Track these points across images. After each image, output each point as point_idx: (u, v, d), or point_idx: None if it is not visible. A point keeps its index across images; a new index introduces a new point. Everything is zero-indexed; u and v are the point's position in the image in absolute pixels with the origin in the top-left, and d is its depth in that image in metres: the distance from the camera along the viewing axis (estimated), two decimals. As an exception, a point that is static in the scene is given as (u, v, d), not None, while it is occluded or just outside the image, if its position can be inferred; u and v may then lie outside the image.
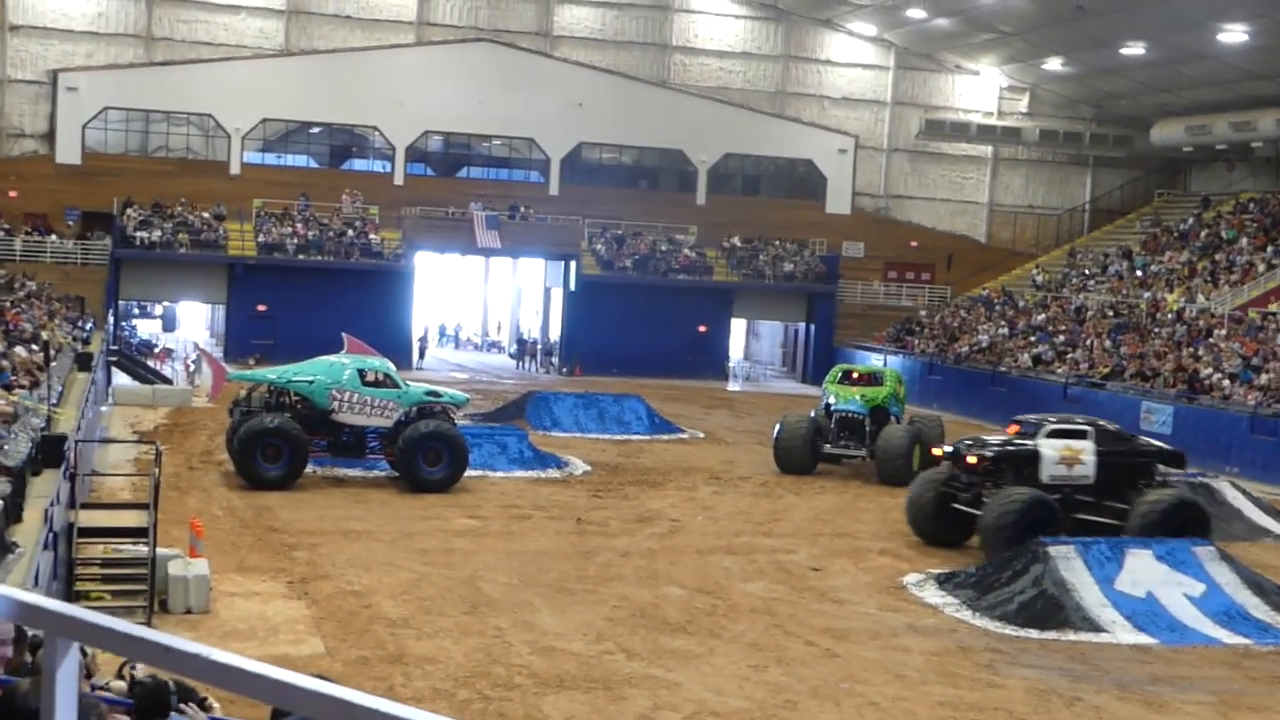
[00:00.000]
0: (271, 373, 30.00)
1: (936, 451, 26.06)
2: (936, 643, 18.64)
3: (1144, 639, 19.24)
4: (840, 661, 17.48)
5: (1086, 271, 56.14)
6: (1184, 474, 31.20)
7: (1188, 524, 23.25)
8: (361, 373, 28.82)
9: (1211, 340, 42.55)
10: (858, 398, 33.83)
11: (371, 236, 52.96)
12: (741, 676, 16.57)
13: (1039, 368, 46.38)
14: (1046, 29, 53.37)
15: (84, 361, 32.54)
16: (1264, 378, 38.35)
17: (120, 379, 40.85)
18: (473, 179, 57.74)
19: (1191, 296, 48.25)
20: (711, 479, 31.71)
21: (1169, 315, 46.65)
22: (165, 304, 57.46)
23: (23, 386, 23.10)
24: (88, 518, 18.82)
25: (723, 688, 16.06)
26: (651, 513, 27.20)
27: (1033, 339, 49.21)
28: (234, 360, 46.21)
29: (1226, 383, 39.01)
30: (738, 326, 60.50)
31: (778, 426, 33.62)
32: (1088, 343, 46.56)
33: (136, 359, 44.06)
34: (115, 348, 43.45)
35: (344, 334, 31.16)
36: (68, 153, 53.06)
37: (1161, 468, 25.90)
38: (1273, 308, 44.11)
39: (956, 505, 24.66)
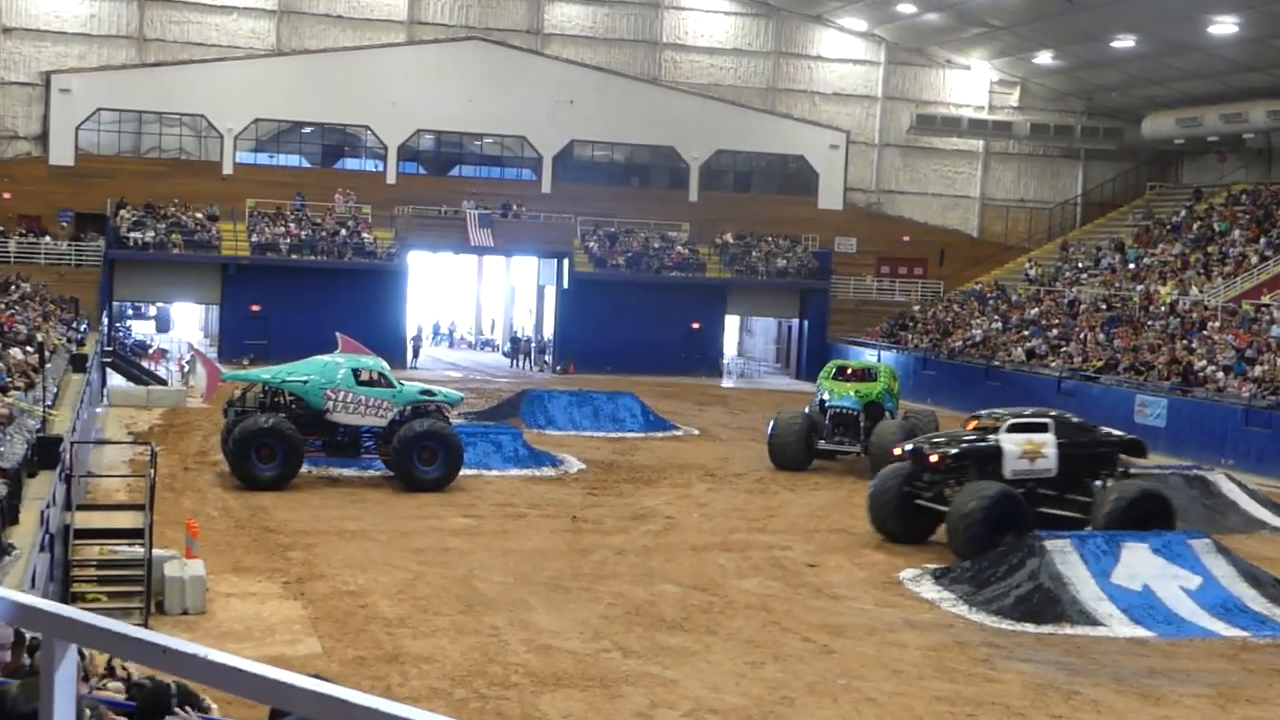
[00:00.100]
0: (266, 373, 29.99)
1: (896, 450, 25.61)
2: (933, 638, 18.65)
3: (1141, 632, 19.26)
4: (837, 657, 17.48)
5: (1079, 265, 56.19)
6: (1179, 466, 31.33)
7: (1152, 516, 23.22)
8: (356, 372, 28.81)
9: (1205, 333, 42.60)
10: (852, 393, 33.84)
11: (364, 236, 52.93)
12: (738, 673, 16.57)
13: (1033, 362, 46.42)
14: (1036, 22, 53.43)
15: (79, 363, 32.51)
16: (1258, 370, 38.41)
17: (115, 380, 40.79)
18: (465, 177, 57.72)
19: (1184, 289, 48.30)
20: (706, 476, 31.72)
21: (1162, 308, 46.71)
22: (159, 305, 57.46)
23: (18, 388, 23.08)
24: (84, 519, 18.79)
25: (720, 685, 16.06)
26: (646, 510, 27.20)
27: (1026, 333, 49.24)
28: (228, 361, 46.22)
29: (1220, 375, 39.06)
30: (731, 323, 60.49)
31: (772, 423, 33.63)
32: (1081, 336, 46.61)
33: (131, 360, 44.01)
34: (110, 349, 43.38)
35: (338, 333, 31.18)
36: (61, 154, 53.00)
37: (1125, 457, 25.88)
38: (1266, 299, 44.16)
39: (920, 502, 24.49)
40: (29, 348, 27.62)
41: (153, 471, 19.27)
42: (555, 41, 58.40)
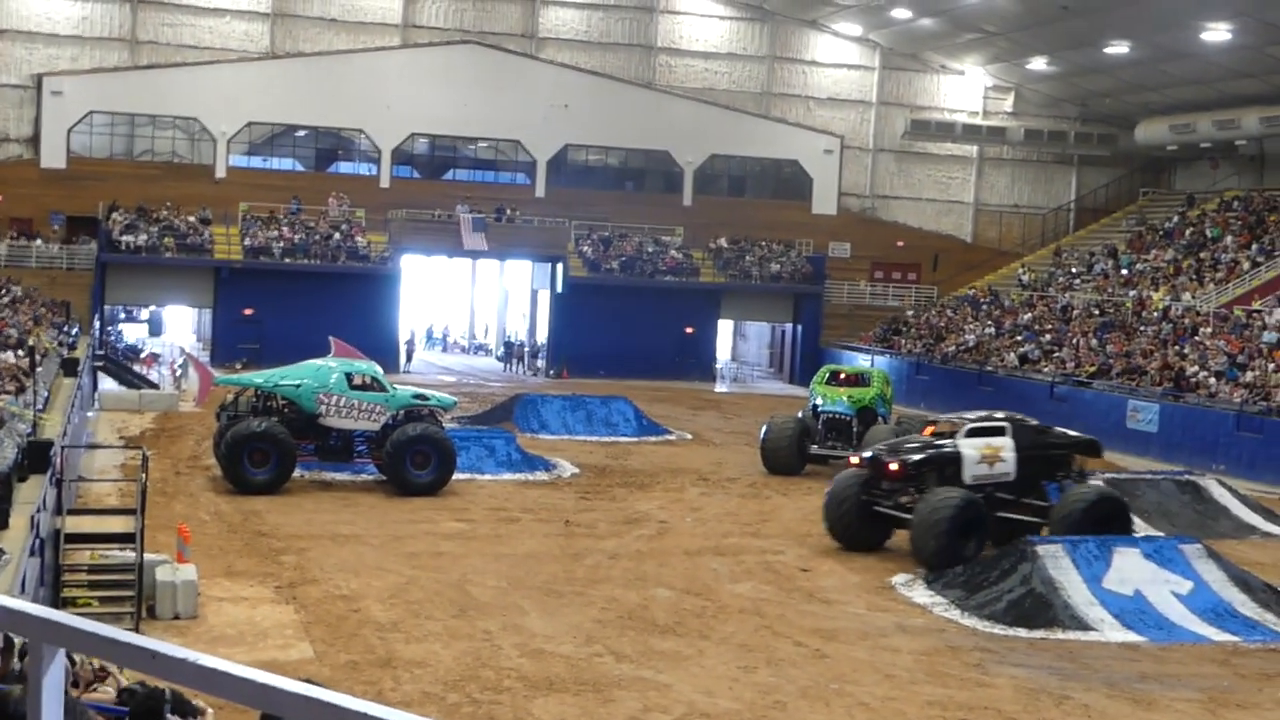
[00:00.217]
0: (258, 377, 29.95)
1: (854, 459, 25.11)
2: (925, 642, 18.66)
3: (1132, 637, 19.28)
4: (829, 662, 17.48)
5: (1072, 270, 56.24)
6: (1171, 471, 31.38)
7: (1110, 519, 23.16)
8: (349, 376, 28.77)
9: (1197, 338, 42.66)
10: (845, 398, 33.87)
11: (358, 239, 52.88)
12: (731, 678, 16.57)
13: (1025, 367, 46.46)
14: (1031, 28, 53.50)
15: (70, 367, 32.46)
16: (1249, 375, 38.47)
17: (106, 384, 40.73)
18: (459, 181, 57.69)
19: (1177, 295, 48.37)
20: (699, 480, 31.72)
21: (1155, 313, 46.76)
22: (151, 308, 57.31)
23: (8, 392, 23.03)
24: (74, 524, 18.77)
25: (712, 689, 16.06)
26: (639, 514, 27.19)
27: (1019, 338, 49.29)
28: (220, 364, 46.12)
29: (1212, 380, 39.11)
30: (725, 327, 60.48)
31: (765, 428, 33.64)
32: (1074, 341, 46.65)
33: (123, 364, 43.95)
34: (101, 352, 43.33)
35: (331, 337, 31.12)
36: (52, 157, 52.91)
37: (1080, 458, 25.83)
38: (1257, 305, 44.24)
39: (879, 510, 24.20)
40: (20, 351, 27.58)
41: (144, 476, 19.25)
42: (550, 45, 58.40)
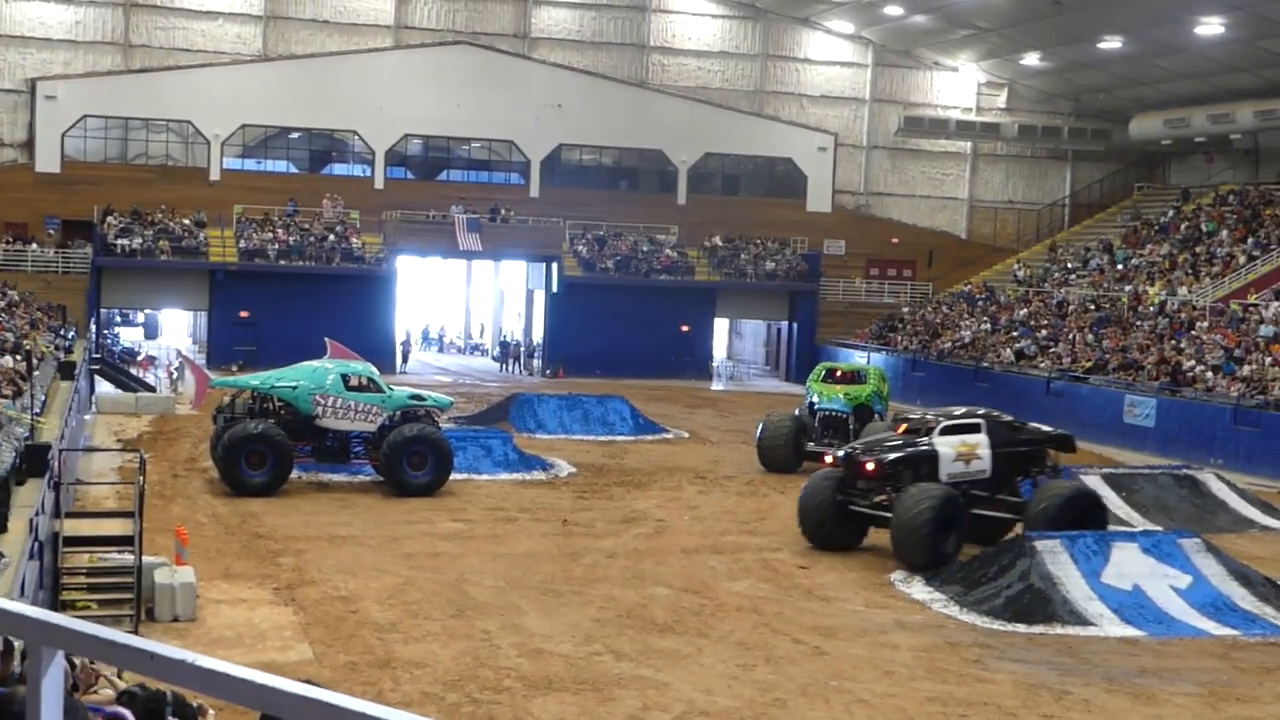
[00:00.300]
0: (255, 379, 29.92)
1: (829, 459, 24.89)
2: (924, 638, 18.66)
3: (1131, 631, 19.29)
4: (828, 659, 17.48)
5: (1068, 266, 56.28)
6: (1168, 466, 31.40)
7: (1086, 516, 23.11)
8: (345, 377, 28.75)
9: (1193, 333, 42.68)
10: (841, 396, 33.87)
11: (353, 241, 52.86)
12: (730, 675, 16.56)
13: (1022, 363, 46.47)
14: (1024, 24, 53.52)
15: (67, 370, 32.42)
16: (1246, 369, 38.50)
17: (103, 387, 40.70)
18: (453, 182, 57.66)
19: (1173, 289, 48.40)
20: (696, 479, 31.72)
21: (1150, 308, 46.80)
22: (147, 311, 57.32)
23: (5, 396, 22.97)
24: (73, 527, 18.76)
25: (711, 687, 16.05)
26: (637, 513, 27.19)
27: (1015, 334, 49.30)
28: (217, 367, 46.12)
29: (1209, 375, 39.12)
30: (720, 326, 60.53)
31: (761, 425, 33.64)
32: (1070, 337, 46.68)
33: (119, 367, 43.90)
34: (98, 356, 43.29)
35: (327, 339, 31.10)
36: (47, 161, 52.86)
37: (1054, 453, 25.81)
38: (1253, 299, 44.28)
39: (855, 509, 23.98)
40: (17, 356, 27.53)
41: (142, 478, 19.25)
42: (543, 45, 58.38)
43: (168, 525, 21.93)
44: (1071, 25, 51.17)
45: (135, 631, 16.30)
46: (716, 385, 55.22)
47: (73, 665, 6.48)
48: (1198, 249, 51.62)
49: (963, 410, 26.12)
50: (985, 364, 47.46)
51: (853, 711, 15.41)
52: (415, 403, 29.27)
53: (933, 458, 24.05)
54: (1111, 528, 25.28)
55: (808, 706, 15.52)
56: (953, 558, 22.30)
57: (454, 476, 28.72)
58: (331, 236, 52.75)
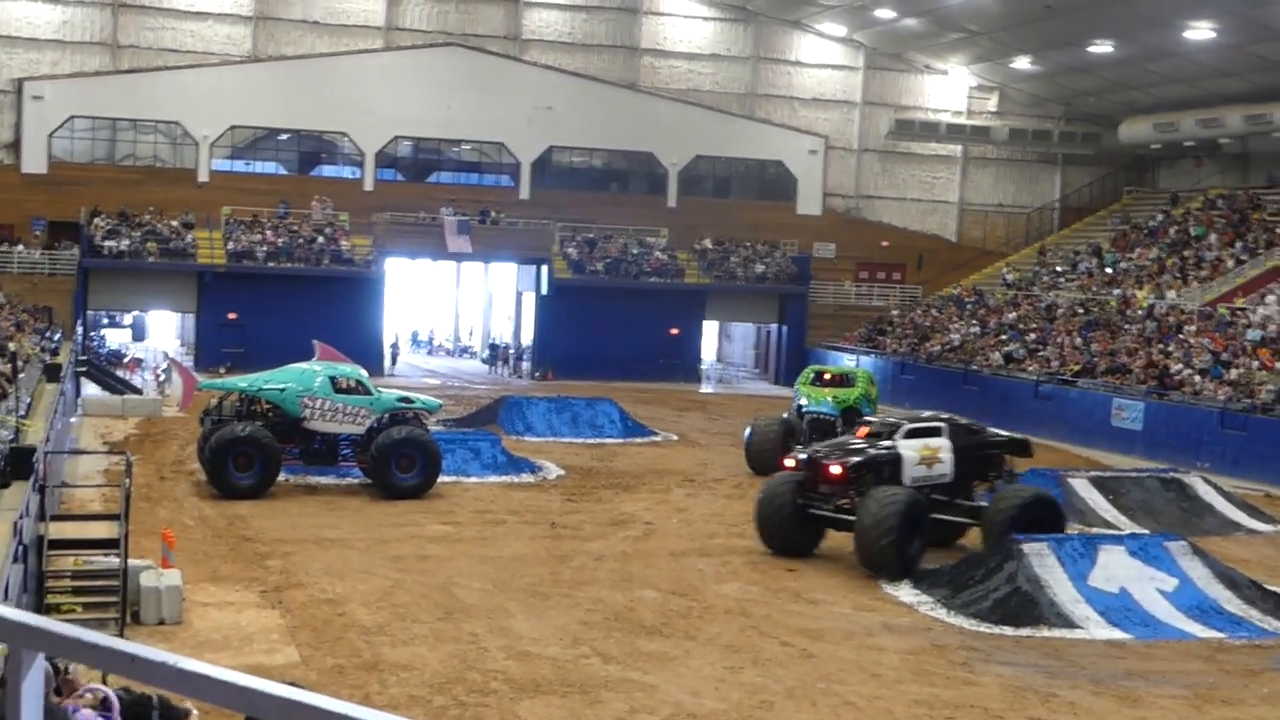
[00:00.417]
0: (242, 381, 29.87)
1: (789, 461, 24.54)
2: (911, 641, 18.67)
3: (1118, 634, 19.31)
4: (816, 661, 17.48)
5: (1057, 269, 56.36)
6: (1156, 469, 31.45)
7: (1044, 520, 23.03)
8: (333, 380, 28.72)
9: (1181, 336, 42.78)
10: (829, 399, 33.91)
11: (342, 243, 52.79)
12: (717, 678, 16.56)
13: (1010, 366, 46.54)
14: (1015, 28, 53.62)
15: (52, 372, 32.29)
16: (1233, 373, 38.60)
17: (90, 389, 40.58)
18: (443, 184, 57.64)
19: (1161, 293, 48.49)
20: (685, 481, 31.72)
21: (1139, 312, 46.88)
22: (134, 313, 57.15)
23: (-9, 398, 22.92)
24: (58, 530, 18.68)
25: (699, 689, 16.05)
26: (625, 516, 27.18)
27: (1004, 337, 49.38)
28: (204, 369, 46.01)
29: (1197, 378, 39.22)
30: (710, 328, 60.55)
31: (749, 428, 33.65)
32: (1058, 340, 46.75)
33: (106, 369, 43.77)
34: (84, 358, 43.15)
35: (315, 341, 31.06)
36: (33, 162, 52.72)
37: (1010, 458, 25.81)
38: (1241, 303, 44.39)
39: (815, 513, 23.66)
40: (2, 358, 27.44)
41: (128, 481, 19.18)
42: (534, 47, 58.37)
43: (154, 528, 21.87)
44: (1062, 29, 51.29)
45: (121, 635, 16.25)
46: (705, 388, 55.23)
47: (57, 671, 6.45)
48: (1186, 253, 51.73)
49: (928, 414, 26.06)
50: (974, 367, 47.52)
51: (840, 714, 15.41)
52: (404, 405, 29.25)
53: (896, 461, 23.87)
54: (1098, 530, 25.41)
55: (795, 709, 15.52)
56: (916, 561, 22.21)
57: (442, 479, 28.69)
58: (320, 238, 52.67)
